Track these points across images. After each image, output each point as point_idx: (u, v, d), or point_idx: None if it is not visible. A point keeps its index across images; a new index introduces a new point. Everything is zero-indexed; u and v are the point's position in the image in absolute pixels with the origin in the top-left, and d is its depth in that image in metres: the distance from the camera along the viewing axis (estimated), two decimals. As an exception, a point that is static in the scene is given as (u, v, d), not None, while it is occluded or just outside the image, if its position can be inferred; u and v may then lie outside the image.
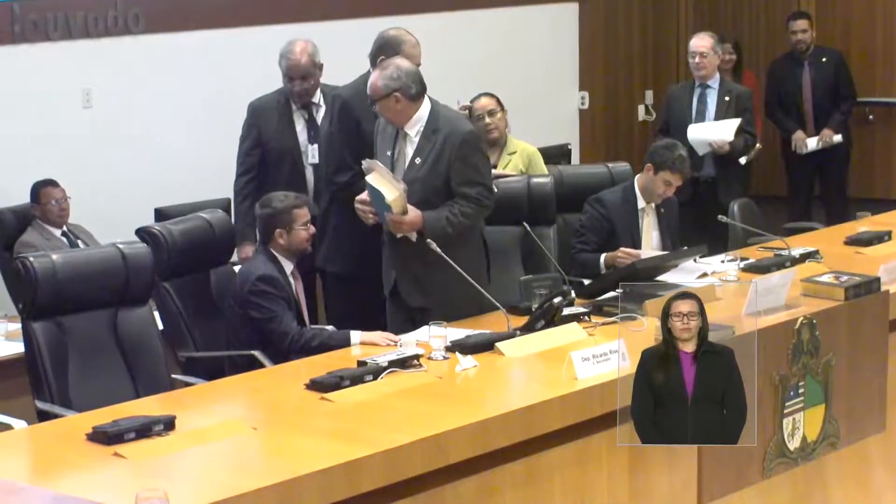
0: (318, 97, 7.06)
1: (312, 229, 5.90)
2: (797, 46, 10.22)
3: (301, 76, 6.93)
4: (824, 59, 10.19)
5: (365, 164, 5.75)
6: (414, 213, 5.72)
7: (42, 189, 7.49)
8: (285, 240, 5.78)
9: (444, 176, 5.79)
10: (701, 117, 8.45)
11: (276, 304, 5.62)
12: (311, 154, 7.00)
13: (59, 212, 7.46)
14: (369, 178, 5.71)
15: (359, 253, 6.28)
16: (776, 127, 10.41)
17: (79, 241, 7.46)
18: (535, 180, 7.10)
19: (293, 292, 5.76)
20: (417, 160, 5.83)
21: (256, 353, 5.57)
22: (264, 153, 6.99)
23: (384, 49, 6.43)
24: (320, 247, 6.47)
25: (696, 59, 8.54)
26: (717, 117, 8.39)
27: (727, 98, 8.49)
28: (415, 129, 5.83)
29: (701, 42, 8.56)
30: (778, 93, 10.27)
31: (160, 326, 5.79)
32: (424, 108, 5.83)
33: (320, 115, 6.97)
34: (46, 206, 7.44)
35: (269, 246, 5.81)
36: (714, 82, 8.57)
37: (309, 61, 6.95)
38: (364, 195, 5.83)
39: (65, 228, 7.49)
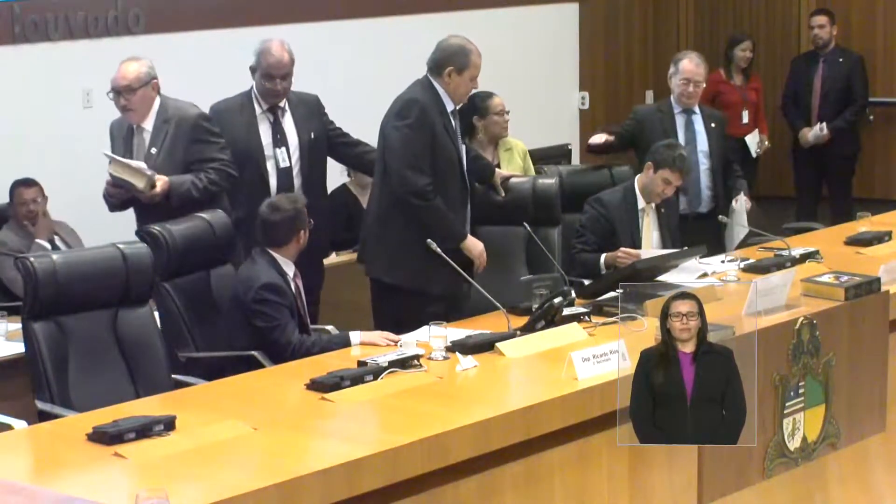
0: (282, 100, 6.88)
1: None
2: (815, 41, 10.31)
3: (282, 75, 6.78)
4: (841, 60, 10.24)
5: (106, 155, 6.41)
6: (162, 183, 6.34)
7: (16, 189, 7.47)
8: (302, 240, 5.76)
9: (182, 160, 6.34)
10: (692, 146, 7.49)
11: (279, 314, 5.59)
12: (281, 158, 6.81)
13: (27, 213, 7.39)
14: (112, 171, 6.37)
15: (414, 264, 6.20)
16: (787, 124, 10.45)
17: (55, 239, 7.38)
18: (541, 181, 7.12)
19: (295, 297, 5.74)
20: (153, 150, 6.36)
21: (256, 354, 5.57)
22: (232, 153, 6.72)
23: (453, 59, 6.25)
24: (371, 254, 6.40)
25: (691, 88, 7.57)
26: (711, 146, 7.60)
27: (713, 125, 7.71)
28: (150, 122, 6.43)
29: (698, 70, 7.61)
30: (794, 88, 10.37)
31: (159, 326, 5.79)
32: (157, 101, 6.47)
33: (286, 119, 6.84)
34: (16, 207, 7.42)
35: (278, 249, 5.74)
36: (696, 108, 7.70)
37: (289, 59, 6.80)
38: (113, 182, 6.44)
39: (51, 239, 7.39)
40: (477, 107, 7.40)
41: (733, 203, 7.45)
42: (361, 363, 4.95)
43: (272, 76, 6.77)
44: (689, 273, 6.30)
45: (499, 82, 8.61)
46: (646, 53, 12.04)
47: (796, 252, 6.57)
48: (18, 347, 5.79)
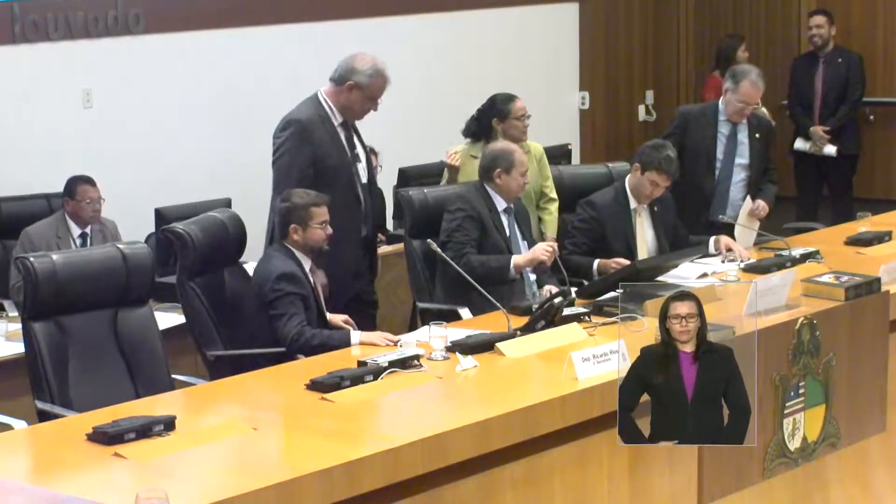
0: None
1: (329, 230, 5.86)
2: (812, 42, 10.35)
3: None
4: (840, 60, 10.26)
5: None
6: None
7: (80, 186, 7.29)
8: (300, 236, 5.80)
9: None
10: (729, 157, 7.30)
11: (289, 304, 5.62)
12: (362, 174, 6.50)
13: (93, 213, 7.28)
14: None
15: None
16: (794, 124, 10.47)
17: (89, 240, 7.30)
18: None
19: (313, 288, 5.77)
20: None
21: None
22: (317, 171, 6.33)
23: (497, 162, 6.37)
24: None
25: (747, 111, 7.30)
26: (752, 159, 7.31)
27: (758, 135, 7.34)
28: None
29: (758, 93, 7.30)
30: (797, 90, 10.37)
31: (164, 327, 5.78)
32: None
33: (354, 133, 6.53)
34: (81, 204, 7.26)
35: (286, 241, 5.82)
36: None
37: None
38: None
39: (87, 230, 7.31)
40: (498, 109, 7.21)
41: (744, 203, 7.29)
42: (361, 363, 4.95)
43: (375, 98, 6.44)
44: (690, 273, 6.30)
45: (499, 82, 8.63)
46: (646, 53, 12.04)
47: (796, 252, 6.57)
48: (18, 347, 5.79)
